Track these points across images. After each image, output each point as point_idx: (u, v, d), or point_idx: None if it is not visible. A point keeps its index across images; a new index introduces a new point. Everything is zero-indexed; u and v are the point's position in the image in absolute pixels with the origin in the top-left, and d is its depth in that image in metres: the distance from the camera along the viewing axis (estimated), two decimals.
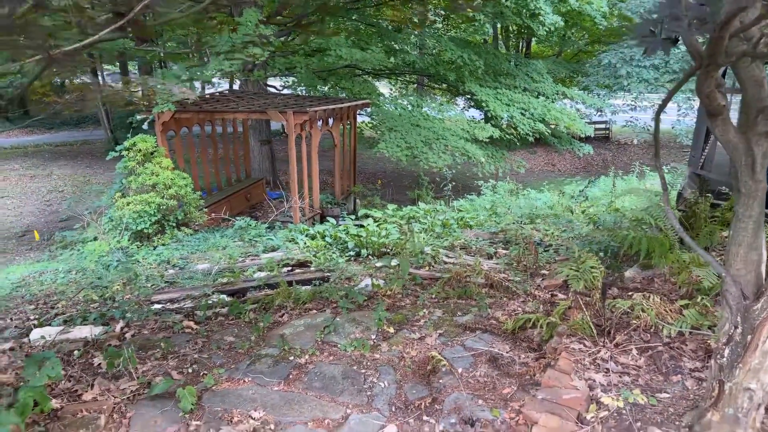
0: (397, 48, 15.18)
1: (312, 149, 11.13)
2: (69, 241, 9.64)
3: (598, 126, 23.52)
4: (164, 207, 8.78)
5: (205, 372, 3.35)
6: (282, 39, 13.65)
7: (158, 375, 3.28)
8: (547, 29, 13.32)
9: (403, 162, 13.67)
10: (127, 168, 8.98)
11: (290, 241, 7.54)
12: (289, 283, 4.76)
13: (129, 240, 8.27)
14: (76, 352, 3.56)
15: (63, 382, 3.18)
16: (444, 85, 17.95)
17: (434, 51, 16.13)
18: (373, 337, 3.76)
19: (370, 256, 6.33)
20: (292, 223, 10.11)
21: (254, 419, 2.86)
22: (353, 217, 9.25)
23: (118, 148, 9.23)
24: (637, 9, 16.43)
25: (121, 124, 22.21)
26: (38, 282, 6.33)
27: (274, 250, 7.09)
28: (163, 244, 8.43)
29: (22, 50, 1.85)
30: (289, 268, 5.65)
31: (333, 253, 6.36)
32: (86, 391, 3.07)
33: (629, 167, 16.53)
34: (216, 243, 8.13)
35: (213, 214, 10.15)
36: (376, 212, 9.18)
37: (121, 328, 3.99)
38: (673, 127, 19.75)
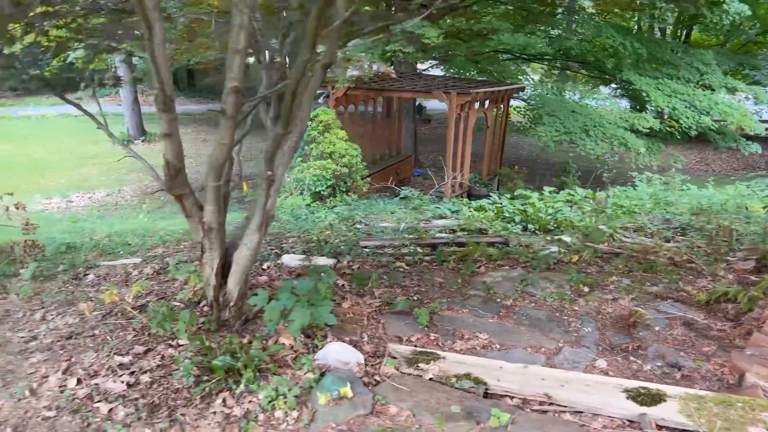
0: (554, 34, 15.05)
1: (468, 130, 11.66)
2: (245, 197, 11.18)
3: None
4: (337, 173, 9.87)
5: (427, 301, 4.05)
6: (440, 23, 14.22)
7: (392, 297, 4.04)
8: (731, 18, 12.38)
9: (551, 149, 13.68)
10: (309, 136, 10.19)
11: (455, 212, 8.17)
12: (476, 244, 5.35)
13: (310, 199, 9.45)
14: (322, 274, 4.45)
15: None
16: (596, 72, 17.42)
17: (591, 38, 15.73)
18: (568, 293, 4.23)
19: (536, 231, 6.74)
20: (444, 197, 10.76)
21: (481, 338, 3.49)
22: (508, 196, 9.64)
23: None
24: None
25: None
26: None
27: (442, 217, 7.75)
28: (336, 206, 9.51)
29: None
30: (468, 233, 6.25)
31: (503, 223, 6.86)
32: (343, 302, 3.91)
33: None
34: (383, 208, 9.01)
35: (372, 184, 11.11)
36: (531, 193, 9.47)
37: (348, 262, 4.85)
38: None
